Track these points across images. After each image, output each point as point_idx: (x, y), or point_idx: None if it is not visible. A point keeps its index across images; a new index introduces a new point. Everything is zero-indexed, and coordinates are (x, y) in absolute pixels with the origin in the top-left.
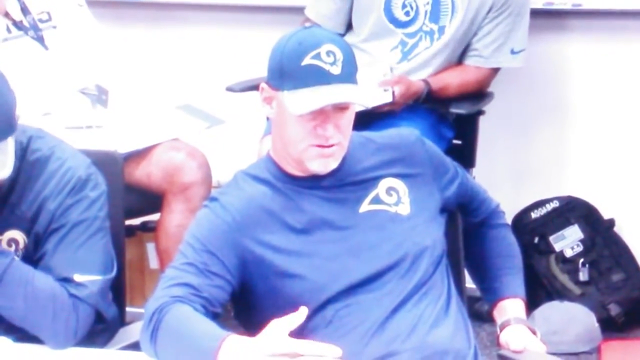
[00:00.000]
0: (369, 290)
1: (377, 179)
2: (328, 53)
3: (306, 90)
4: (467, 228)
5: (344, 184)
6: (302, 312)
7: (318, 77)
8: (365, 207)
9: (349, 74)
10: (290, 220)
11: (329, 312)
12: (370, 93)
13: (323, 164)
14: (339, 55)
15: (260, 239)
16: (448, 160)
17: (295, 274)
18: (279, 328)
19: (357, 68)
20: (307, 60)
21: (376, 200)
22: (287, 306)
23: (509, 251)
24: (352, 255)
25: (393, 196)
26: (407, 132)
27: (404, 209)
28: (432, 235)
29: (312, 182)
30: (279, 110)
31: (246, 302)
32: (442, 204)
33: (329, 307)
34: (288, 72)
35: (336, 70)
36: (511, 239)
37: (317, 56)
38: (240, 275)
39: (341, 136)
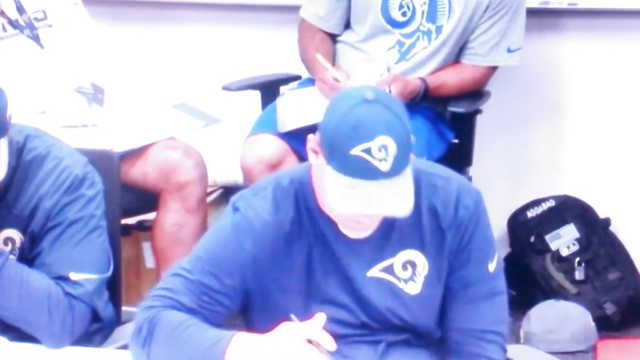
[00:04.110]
0: (365, 335)
1: (400, 247)
2: (380, 148)
3: (348, 181)
4: None
5: (371, 233)
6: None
7: (364, 171)
8: (374, 272)
9: (397, 169)
10: (307, 258)
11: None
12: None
13: (356, 234)
14: (392, 150)
15: (271, 275)
16: (488, 247)
17: (295, 308)
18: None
19: (409, 156)
20: (357, 152)
21: (388, 270)
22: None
23: None
24: (354, 302)
25: (408, 270)
26: (471, 204)
27: (414, 288)
28: (431, 318)
29: None
30: (321, 171)
31: (243, 316)
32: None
33: None
34: (336, 153)
35: (385, 166)
36: None
37: (368, 151)
38: (241, 301)
39: (376, 222)
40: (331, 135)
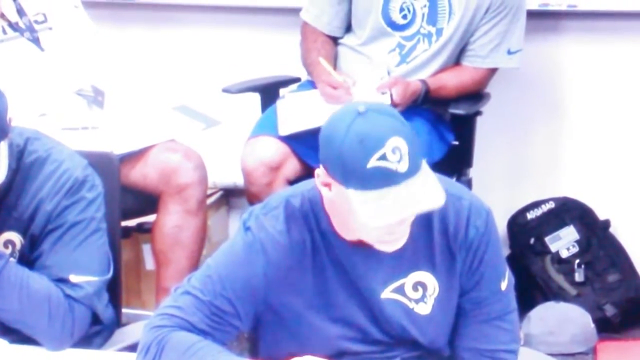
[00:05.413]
0: (380, 352)
1: (411, 268)
2: (394, 150)
3: (375, 194)
4: None
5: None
6: None
7: (386, 179)
8: (387, 293)
9: (415, 166)
10: (320, 278)
11: None
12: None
13: (392, 246)
14: (405, 149)
15: (283, 295)
16: (499, 267)
17: (310, 327)
18: None
19: (420, 149)
20: (373, 163)
21: (399, 290)
22: (297, 349)
23: None
24: (369, 320)
25: (418, 291)
26: (481, 225)
27: (425, 308)
28: (443, 337)
29: (359, 244)
30: (342, 200)
31: (253, 334)
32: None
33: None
34: (352, 172)
35: (404, 167)
36: None
37: (383, 157)
38: (251, 323)
39: (409, 227)
40: (340, 157)
